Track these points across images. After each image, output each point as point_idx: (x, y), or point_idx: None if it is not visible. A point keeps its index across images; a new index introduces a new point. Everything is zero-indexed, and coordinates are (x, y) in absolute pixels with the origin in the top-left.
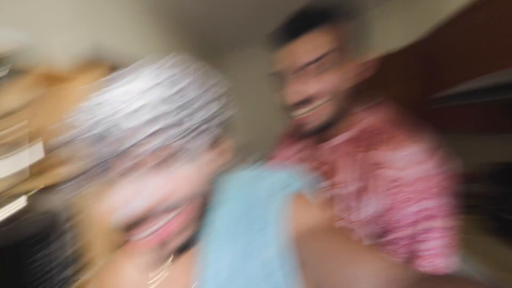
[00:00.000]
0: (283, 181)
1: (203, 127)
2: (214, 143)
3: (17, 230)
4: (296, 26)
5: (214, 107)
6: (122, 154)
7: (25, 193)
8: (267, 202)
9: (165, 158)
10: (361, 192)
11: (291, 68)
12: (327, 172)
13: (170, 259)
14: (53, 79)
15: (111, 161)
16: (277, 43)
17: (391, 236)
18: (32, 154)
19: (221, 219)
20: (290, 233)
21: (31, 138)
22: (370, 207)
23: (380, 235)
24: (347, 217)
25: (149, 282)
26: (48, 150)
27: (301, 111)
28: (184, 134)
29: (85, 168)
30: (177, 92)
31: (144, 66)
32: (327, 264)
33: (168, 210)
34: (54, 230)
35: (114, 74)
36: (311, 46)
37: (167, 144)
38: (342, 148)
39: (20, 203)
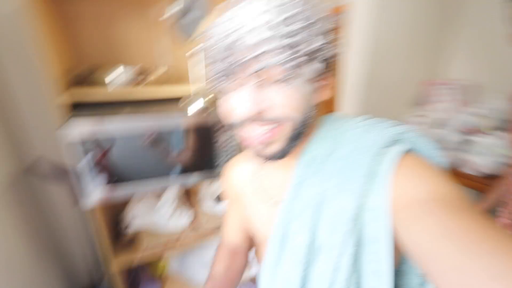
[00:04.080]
0: (396, 134)
1: (306, 58)
2: (317, 77)
3: (211, 116)
4: None
5: (318, 41)
6: (243, 65)
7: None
8: (377, 152)
9: (271, 78)
10: None
11: None
12: None
13: (271, 160)
14: None
15: (233, 69)
16: None
17: None
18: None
19: (321, 150)
20: (394, 196)
21: None
22: None
23: None
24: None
25: (258, 178)
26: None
27: None
28: (287, 60)
29: (223, 70)
30: (283, 20)
31: None
32: (440, 251)
33: (269, 120)
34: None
35: None
36: None
37: (272, 66)
38: None
39: (209, 100)
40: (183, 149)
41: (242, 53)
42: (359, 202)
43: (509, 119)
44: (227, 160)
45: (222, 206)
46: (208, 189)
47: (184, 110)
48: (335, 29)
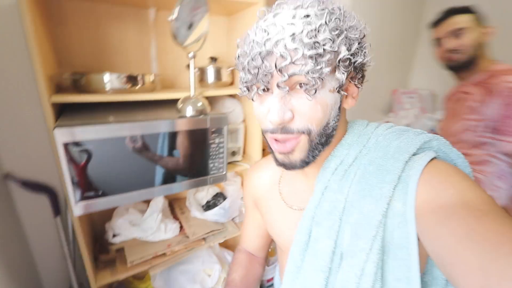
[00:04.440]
0: (424, 142)
1: (329, 69)
2: (341, 87)
3: (205, 121)
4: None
5: (343, 52)
6: (269, 75)
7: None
8: (407, 159)
9: (297, 88)
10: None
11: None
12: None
13: (295, 168)
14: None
15: (261, 79)
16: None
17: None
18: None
19: (347, 157)
20: (418, 202)
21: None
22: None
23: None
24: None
25: (279, 184)
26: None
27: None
28: (312, 71)
29: (251, 77)
30: (308, 32)
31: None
32: (464, 252)
33: (292, 131)
34: (225, 127)
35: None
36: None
37: (297, 76)
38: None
39: (205, 105)
40: (170, 157)
41: (269, 63)
42: (384, 208)
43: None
44: (217, 167)
45: (210, 213)
46: (195, 197)
47: (173, 117)
48: (360, 39)
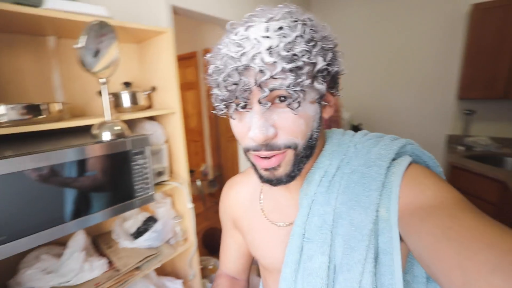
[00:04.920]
0: (400, 147)
1: (309, 81)
2: (321, 98)
3: (125, 143)
4: None
5: (320, 63)
6: (246, 91)
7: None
8: (388, 165)
9: (277, 102)
10: None
11: None
12: None
13: (281, 184)
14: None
15: (238, 95)
16: None
17: None
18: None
19: (329, 168)
20: (400, 206)
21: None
22: None
23: None
24: None
25: (260, 200)
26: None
27: None
28: (291, 84)
29: (228, 94)
30: (285, 45)
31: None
32: (443, 250)
33: (276, 147)
34: (147, 147)
35: (255, 11)
36: None
37: (276, 90)
38: None
39: (123, 128)
40: (88, 185)
41: (247, 79)
42: (374, 215)
43: None
44: (143, 188)
45: (142, 240)
46: (123, 227)
47: (88, 143)
48: (333, 48)
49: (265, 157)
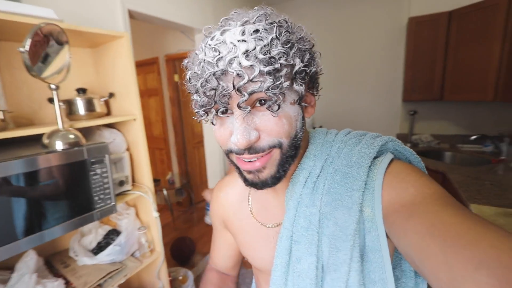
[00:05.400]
0: (381, 145)
1: (288, 82)
2: (301, 99)
3: (81, 152)
4: None
5: (298, 64)
6: (226, 96)
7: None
8: (369, 164)
9: (258, 106)
10: None
11: None
12: None
13: (266, 187)
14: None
15: (217, 100)
16: None
17: None
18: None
19: (314, 168)
20: (384, 205)
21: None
22: None
23: None
24: None
25: (249, 202)
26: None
27: None
28: (271, 87)
29: (207, 100)
30: (261, 48)
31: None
32: (428, 248)
33: (259, 149)
34: (106, 156)
35: (231, 15)
36: None
37: (256, 94)
38: None
39: (78, 137)
40: (40, 198)
41: (225, 84)
42: (357, 215)
43: None
44: (103, 199)
45: (103, 255)
46: (81, 244)
47: (38, 153)
48: (310, 49)
49: (248, 161)
